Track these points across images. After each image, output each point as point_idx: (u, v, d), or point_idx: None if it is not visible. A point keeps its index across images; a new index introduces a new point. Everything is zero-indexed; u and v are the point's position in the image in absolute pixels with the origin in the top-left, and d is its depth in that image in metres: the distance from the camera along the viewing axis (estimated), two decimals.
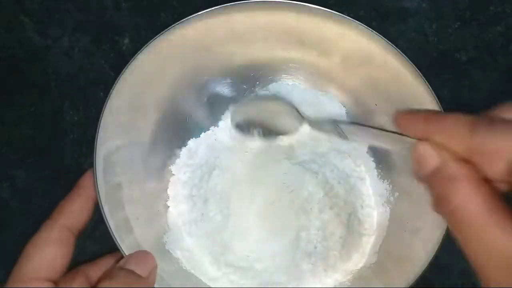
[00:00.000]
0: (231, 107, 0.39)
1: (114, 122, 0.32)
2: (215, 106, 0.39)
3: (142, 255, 0.30)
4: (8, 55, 0.42)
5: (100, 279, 0.29)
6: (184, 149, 0.38)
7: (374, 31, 0.34)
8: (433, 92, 0.33)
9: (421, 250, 0.32)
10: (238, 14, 0.35)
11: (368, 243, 0.36)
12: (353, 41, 0.35)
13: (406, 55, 0.34)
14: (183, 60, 0.37)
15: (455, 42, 0.43)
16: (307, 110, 0.39)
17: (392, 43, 0.34)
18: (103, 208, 0.30)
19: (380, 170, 0.38)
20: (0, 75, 0.41)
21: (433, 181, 0.22)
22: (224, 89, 0.39)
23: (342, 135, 0.33)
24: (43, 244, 0.28)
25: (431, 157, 0.22)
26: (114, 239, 0.30)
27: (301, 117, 0.37)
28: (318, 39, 0.37)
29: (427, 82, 0.34)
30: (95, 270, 0.30)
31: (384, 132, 0.28)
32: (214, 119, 0.39)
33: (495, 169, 0.19)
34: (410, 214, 0.34)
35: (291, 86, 0.40)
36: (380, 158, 0.38)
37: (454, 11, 0.44)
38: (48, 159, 0.39)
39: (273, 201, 0.37)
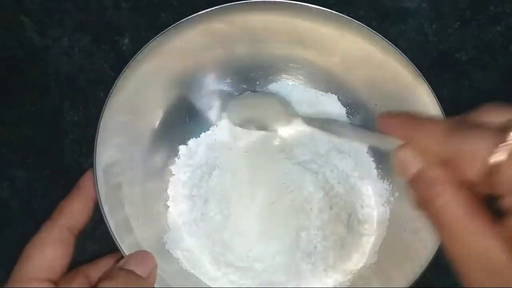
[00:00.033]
0: (228, 104, 0.39)
1: (114, 122, 0.32)
2: (215, 106, 0.39)
3: (142, 255, 0.30)
4: (8, 55, 0.42)
5: (100, 280, 0.29)
6: (184, 149, 0.38)
7: (374, 31, 0.34)
8: (433, 92, 0.33)
9: (421, 250, 0.32)
10: (238, 14, 0.35)
11: (368, 243, 0.36)
12: (353, 41, 0.35)
13: (406, 55, 0.34)
14: (183, 60, 0.37)
15: (455, 42, 0.43)
16: (307, 110, 0.39)
17: (392, 43, 0.34)
18: (103, 208, 0.30)
19: (380, 170, 0.38)
20: (0, 75, 0.41)
21: (415, 185, 0.23)
22: (224, 89, 0.39)
23: (335, 132, 0.33)
24: (43, 245, 0.28)
25: (411, 162, 0.22)
26: (114, 239, 0.30)
27: (294, 112, 0.37)
28: (318, 39, 0.37)
29: (427, 82, 0.34)
30: (95, 270, 0.30)
31: (373, 133, 0.28)
32: (214, 119, 0.39)
33: (472, 172, 0.20)
34: (410, 214, 0.34)
35: (291, 86, 0.40)
36: (380, 158, 0.38)
37: (454, 11, 0.44)
38: (48, 159, 0.39)
39: (273, 201, 0.37)
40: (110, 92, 0.32)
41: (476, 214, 0.20)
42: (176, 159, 0.38)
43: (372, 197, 0.38)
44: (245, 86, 0.39)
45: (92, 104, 0.40)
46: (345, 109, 0.39)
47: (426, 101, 0.34)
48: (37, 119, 0.40)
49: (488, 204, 0.20)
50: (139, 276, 0.29)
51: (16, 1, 0.42)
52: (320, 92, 0.39)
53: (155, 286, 0.30)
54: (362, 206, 0.37)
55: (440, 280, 0.37)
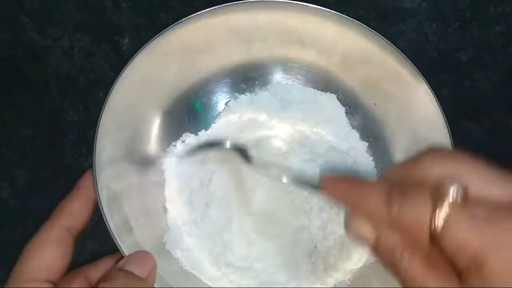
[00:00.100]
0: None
1: (114, 122, 0.32)
2: (215, 106, 0.39)
3: (141, 255, 0.30)
4: (8, 55, 0.42)
5: (99, 280, 0.29)
6: (183, 149, 0.38)
7: (374, 31, 0.34)
8: (433, 92, 0.33)
9: None
10: (237, 14, 0.35)
11: None
12: (352, 41, 0.35)
13: (406, 55, 0.34)
14: (183, 60, 0.37)
15: (455, 42, 0.43)
16: (307, 110, 0.39)
17: (392, 43, 0.34)
18: (103, 208, 0.30)
19: (379, 169, 0.38)
20: (0, 75, 0.41)
21: (376, 253, 0.24)
22: (223, 89, 0.39)
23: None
24: (43, 245, 0.28)
25: (365, 233, 0.23)
26: (114, 239, 0.30)
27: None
28: (317, 38, 0.37)
29: (426, 82, 0.34)
30: (95, 271, 0.30)
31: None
32: (214, 119, 0.39)
33: (420, 236, 0.21)
34: None
35: (290, 85, 0.40)
36: (380, 157, 0.38)
37: (454, 11, 0.44)
38: (48, 159, 0.39)
39: (273, 201, 0.37)
40: (110, 92, 0.32)
41: (434, 271, 0.21)
42: (175, 159, 0.38)
43: None
44: (244, 86, 0.39)
45: (92, 104, 0.40)
46: (344, 108, 0.39)
47: (426, 101, 0.34)
48: (37, 119, 0.40)
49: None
50: (138, 277, 0.29)
51: (16, 1, 0.42)
52: (319, 92, 0.39)
53: (155, 286, 0.30)
54: None
55: None
